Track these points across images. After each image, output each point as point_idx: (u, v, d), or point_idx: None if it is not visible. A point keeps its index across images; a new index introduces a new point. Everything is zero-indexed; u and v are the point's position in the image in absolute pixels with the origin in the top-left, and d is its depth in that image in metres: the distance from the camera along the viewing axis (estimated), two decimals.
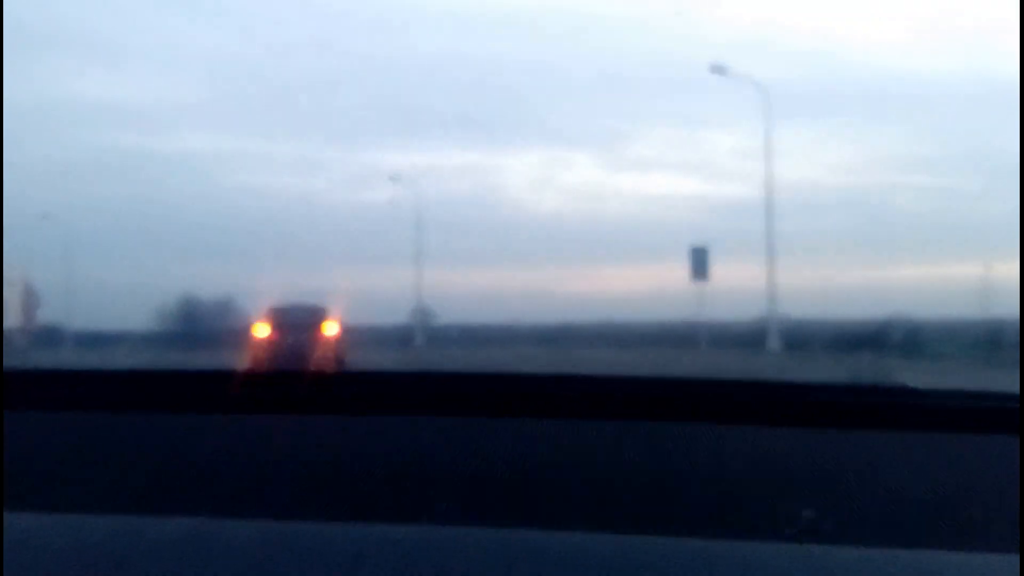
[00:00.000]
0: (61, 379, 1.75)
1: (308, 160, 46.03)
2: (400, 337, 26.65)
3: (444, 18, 44.91)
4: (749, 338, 24.37)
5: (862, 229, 37.58)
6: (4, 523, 1.02)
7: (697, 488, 1.26)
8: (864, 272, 36.42)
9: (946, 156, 39.52)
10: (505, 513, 1.17)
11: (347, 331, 19.56)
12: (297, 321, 18.65)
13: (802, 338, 22.81)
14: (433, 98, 40.49)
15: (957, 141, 38.30)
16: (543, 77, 46.93)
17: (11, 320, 24.64)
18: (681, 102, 40.62)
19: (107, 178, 41.95)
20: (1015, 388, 1.48)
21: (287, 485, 1.29)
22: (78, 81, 41.89)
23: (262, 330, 18.84)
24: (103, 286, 29.82)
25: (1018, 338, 16.41)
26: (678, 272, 26.46)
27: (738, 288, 29.44)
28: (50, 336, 26.25)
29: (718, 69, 26.22)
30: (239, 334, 19.35)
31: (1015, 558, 0.98)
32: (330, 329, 18.94)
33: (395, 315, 30.36)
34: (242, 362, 17.28)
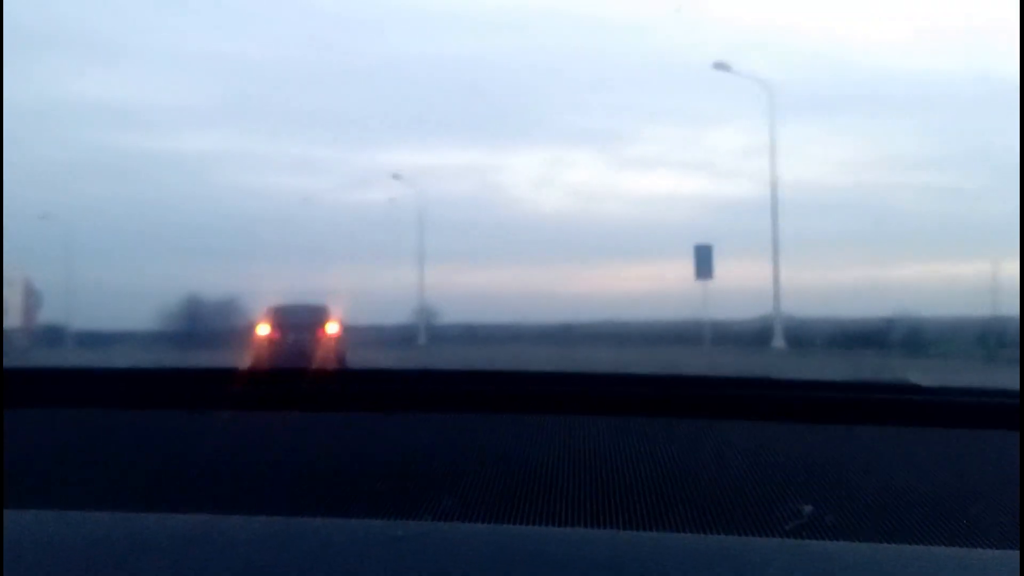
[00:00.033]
0: (64, 377, 1.75)
1: (310, 160, 46.02)
2: (403, 336, 26.70)
3: (445, 18, 44.89)
4: (754, 336, 24.34)
5: (865, 228, 37.53)
6: (5, 520, 1.01)
7: (698, 484, 1.25)
8: (867, 270, 36.39)
9: (950, 155, 39.54)
10: (507, 509, 1.16)
11: (349, 330, 19.58)
12: (298, 321, 18.66)
13: (806, 336, 22.83)
14: (435, 97, 40.55)
15: (961, 140, 38.29)
16: (545, 76, 46.93)
17: (12, 320, 24.59)
18: (683, 101, 40.68)
19: (107, 178, 42.02)
20: (1017, 385, 1.49)
21: (289, 482, 1.28)
22: (78, 81, 41.94)
23: (263, 330, 18.84)
24: (103, 286, 29.85)
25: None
26: (681, 271, 26.45)
27: (741, 287, 29.45)
28: (51, 336, 26.29)
29: (722, 65, 26.15)
30: (242, 334, 19.35)
31: (1015, 553, 0.97)
32: (331, 329, 18.92)
33: (398, 315, 30.43)
34: (243, 362, 17.25)
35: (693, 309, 26.05)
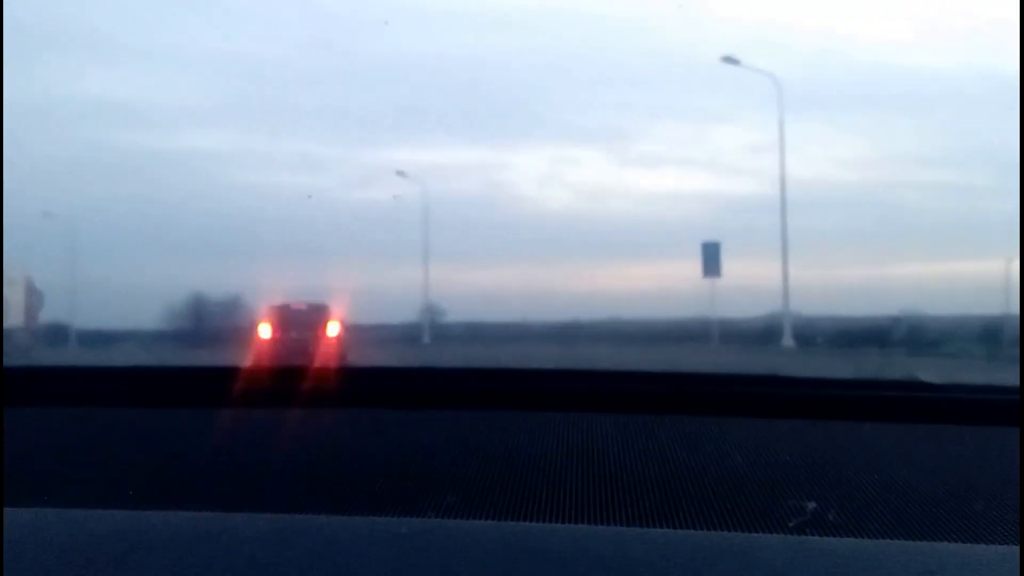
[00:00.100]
0: (65, 375, 1.77)
1: (313, 158, 45.85)
2: (408, 335, 26.61)
3: (448, 16, 44.72)
4: (762, 335, 24.23)
5: (870, 225, 37.30)
6: (6, 518, 1.01)
7: (703, 481, 1.25)
8: (874, 268, 36.18)
9: (955, 152, 39.27)
10: (512, 506, 1.16)
11: (353, 329, 19.52)
12: (300, 319, 18.61)
13: (814, 334, 22.75)
14: (438, 95, 40.31)
15: (966, 137, 37.98)
16: (549, 73, 46.74)
17: (14, 319, 24.55)
18: (689, 98, 40.43)
19: (109, 177, 41.84)
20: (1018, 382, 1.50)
21: (292, 479, 1.28)
22: (80, 79, 41.75)
23: (265, 329, 18.78)
24: (106, 285, 29.76)
25: None
26: (688, 269, 26.33)
27: (747, 285, 29.31)
28: (54, 335, 26.26)
29: (730, 60, 25.89)
30: (245, 333, 19.30)
31: (1016, 549, 0.98)
32: (333, 327, 18.82)
33: (403, 313, 30.29)
34: (245, 361, 17.19)
35: (700, 307, 25.98)
